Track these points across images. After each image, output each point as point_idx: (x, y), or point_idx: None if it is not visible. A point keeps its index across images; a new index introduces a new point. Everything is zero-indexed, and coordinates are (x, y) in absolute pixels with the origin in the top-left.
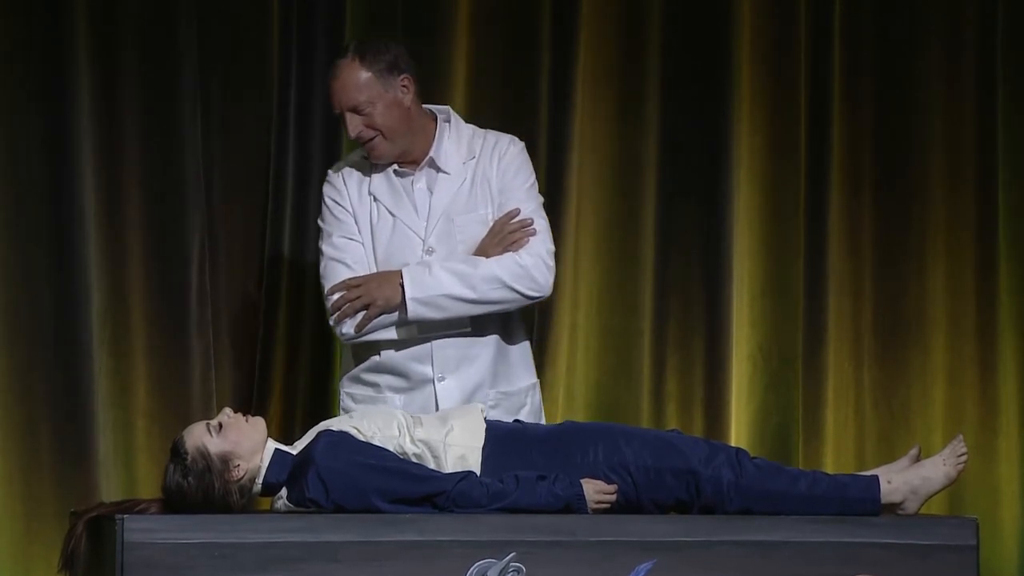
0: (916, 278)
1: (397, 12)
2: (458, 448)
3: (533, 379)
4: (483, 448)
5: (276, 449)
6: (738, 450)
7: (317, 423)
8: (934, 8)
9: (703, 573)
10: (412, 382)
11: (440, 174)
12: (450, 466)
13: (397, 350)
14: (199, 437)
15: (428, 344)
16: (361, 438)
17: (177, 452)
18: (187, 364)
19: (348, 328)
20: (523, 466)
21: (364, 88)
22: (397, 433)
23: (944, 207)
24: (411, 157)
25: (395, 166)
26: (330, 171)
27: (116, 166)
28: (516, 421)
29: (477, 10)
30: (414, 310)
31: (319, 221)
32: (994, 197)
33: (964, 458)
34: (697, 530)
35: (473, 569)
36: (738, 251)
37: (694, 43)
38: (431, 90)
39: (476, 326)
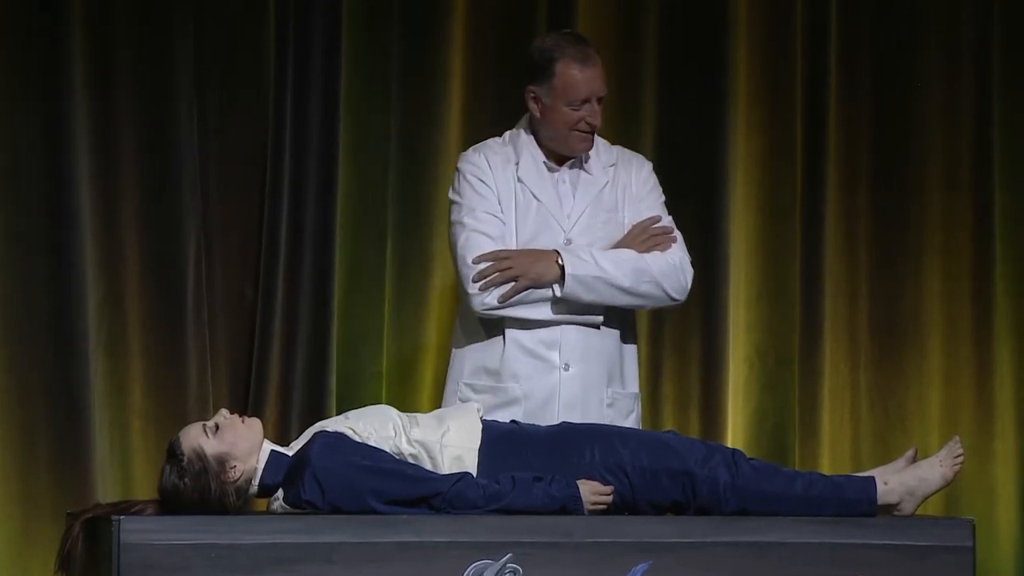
0: (912, 280)
1: (394, 10)
2: (454, 449)
3: (638, 388)
4: (479, 449)
5: (272, 450)
6: (734, 451)
7: (313, 424)
8: (930, 8)
9: (699, 574)
10: (536, 368)
11: (584, 174)
12: (446, 467)
13: (526, 331)
14: (195, 438)
15: (558, 330)
16: (357, 439)
17: (173, 453)
18: (183, 365)
19: (492, 298)
20: (520, 467)
21: (606, 83)
22: (393, 434)
23: (941, 209)
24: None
25: (544, 158)
26: (469, 151)
27: (112, 168)
28: (513, 422)
29: (474, 8)
30: (570, 287)
31: (453, 195)
32: (991, 199)
33: (960, 459)
34: (693, 531)
35: (470, 570)
36: (735, 253)
37: (691, 45)
38: (429, 88)
39: (605, 322)
